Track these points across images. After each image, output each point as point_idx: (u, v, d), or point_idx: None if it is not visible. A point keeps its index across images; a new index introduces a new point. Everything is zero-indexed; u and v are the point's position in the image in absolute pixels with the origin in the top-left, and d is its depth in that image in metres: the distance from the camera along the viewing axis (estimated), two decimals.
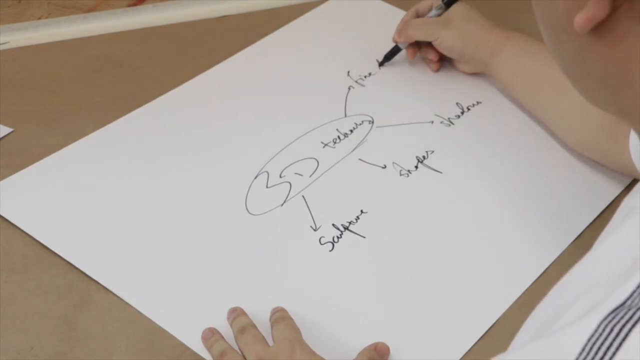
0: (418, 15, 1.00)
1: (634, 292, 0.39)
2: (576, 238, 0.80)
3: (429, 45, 0.99)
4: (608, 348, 0.38)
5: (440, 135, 0.92)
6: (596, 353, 0.38)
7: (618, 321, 0.38)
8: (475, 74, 1.00)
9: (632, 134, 0.75)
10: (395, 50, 1.01)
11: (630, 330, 0.38)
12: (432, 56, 1.00)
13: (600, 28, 0.44)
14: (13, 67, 1.01)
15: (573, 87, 0.81)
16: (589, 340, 0.38)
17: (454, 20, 0.96)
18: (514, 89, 0.94)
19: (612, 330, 0.38)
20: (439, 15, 0.98)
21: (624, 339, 0.37)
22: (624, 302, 0.39)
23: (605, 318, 0.38)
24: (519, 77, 0.92)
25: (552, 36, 0.48)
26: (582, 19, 0.43)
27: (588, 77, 0.48)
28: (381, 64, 1.01)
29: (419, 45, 1.00)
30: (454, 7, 0.98)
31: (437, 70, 1.01)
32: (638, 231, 0.44)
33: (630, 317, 0.38)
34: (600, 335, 0.38)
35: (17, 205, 0.82)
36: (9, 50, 1.03)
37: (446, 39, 0.96)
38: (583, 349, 0.38)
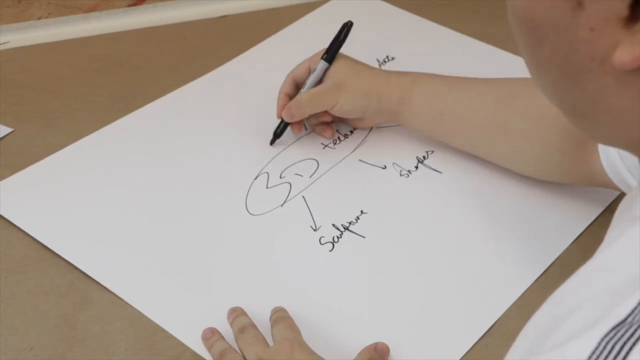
0: (296, 84, 0.89)
1: (635, 308, 0.39)
2: (576, 238, 0.80)
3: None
4: None
5: None
6: None
7: (619, 338, 0.38)
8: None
9: (602, 154, 0.73)
10: (285, 126, 0.89)
11: (631, 347, 0.37)
12: (327, 118, 0.90)
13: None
14: (13, 67, 1.01)
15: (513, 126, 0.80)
16: (589, 357, 0.38)
17: (344, 80, 0.86)
18: (439, 135, 0.87)
19: (613, 347, 0.37)
20: (321, 77, 0.87)
21: (625, 357, 0.37)
22: (625, 319, 0.38)
23: (607, 335, 0.38)
24: (441, 122, 0.85)
25: (563, 78, 0.46)
26: (628, 57, 0.41)
27: (604, 114, 0.46)
28: (272, 142, 0.90)
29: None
30: (335, 65, 0.87)
31: (332, 136, 0.91)
32: (638, 243, 0.43)
33: (632, 335, 0.37)
34: (602, 352, 0.38)
35: (17, 205, 0.82)
36: (9, 50, 1.03)
37: (346, 103, 0.85)
38: None
